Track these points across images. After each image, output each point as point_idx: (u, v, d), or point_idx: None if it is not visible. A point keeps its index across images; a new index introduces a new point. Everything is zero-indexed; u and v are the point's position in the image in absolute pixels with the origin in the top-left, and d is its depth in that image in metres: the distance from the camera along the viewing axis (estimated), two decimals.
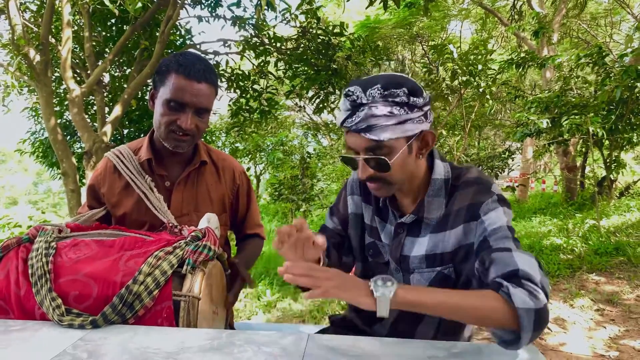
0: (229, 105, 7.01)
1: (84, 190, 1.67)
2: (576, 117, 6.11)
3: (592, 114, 6.00)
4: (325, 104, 6.58)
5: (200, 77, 1.41)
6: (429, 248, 1.21)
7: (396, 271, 1.28)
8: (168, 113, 1.43)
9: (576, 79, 7.39)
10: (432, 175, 1.21)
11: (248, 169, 13.26)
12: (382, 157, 1.10)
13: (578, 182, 9.54)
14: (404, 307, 0.95)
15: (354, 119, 1.09)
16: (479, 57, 7.17)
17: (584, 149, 8.80)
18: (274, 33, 6.27)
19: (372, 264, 1.36)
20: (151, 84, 1.52)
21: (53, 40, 5.92)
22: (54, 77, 6.44)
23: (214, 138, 12.09)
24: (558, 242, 5.53)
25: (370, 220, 1.36)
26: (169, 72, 1.41)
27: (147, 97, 6.93)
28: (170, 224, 1.41)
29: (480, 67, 7.06)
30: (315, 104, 6.62)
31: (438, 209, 1.20)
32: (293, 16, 6.01)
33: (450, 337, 1.27)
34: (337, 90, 6.29)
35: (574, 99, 6.79)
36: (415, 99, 1.08)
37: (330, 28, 6.08)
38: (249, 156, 12.91)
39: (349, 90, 1.10)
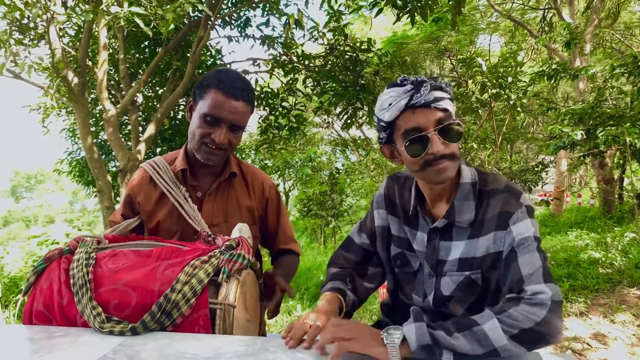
0: (259, 122, 7.11)
1: (118, 207, 1.73)
2: (612, 128, 5.95)
3: (629, 124, 5.84)
4: (354, 120, 6.60)
5: (238, 95, 1.45)
6: (463, 252, 1.23)
7: (429, 276, 1.30)
8: (204, 126, 1.47)
9: (611, 90, 7.22)
10: (460, 179, 1.24)
11: (277, 185, 13.35)
12: (457, 122, 1.15)
13: (616, 195, 9.26)
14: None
15: (421, 93, 1.13)
16: (509, 69, 7.09)
17: (621, 161, 8.56)
18: (302, 51, 6.36)
19: (400, 274, 1.40)
20: (191, 96, 1.57)
21: (90, 63, 6.14)
22: (90, 98, 6.67)
23: (243, 155, 12.26)
24: (596, 256, 5.36)
25: (397, 231, 1.38)
26: (209, 87, 1.46)
27: (179, 117, 7.10)
28: (205, 233, 1.44)
29: (510, 79, 6.98)
30: (343, 120, 6.65)
31: (468, 212, 1.22)
32: (321, 34, 6.09)
33: None
34: (365, 106, 6.31)
35: (609, 110, 6.62)
36: (449, 87, 1.19)
37: (358, 44, 6.13)
38: (278, 173, 13.03)
39: (403, 78, 1.17)
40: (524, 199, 1.18)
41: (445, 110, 1.14)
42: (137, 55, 6.78)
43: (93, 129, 6.89)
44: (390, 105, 1.17)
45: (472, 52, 13.55)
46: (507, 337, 0.99)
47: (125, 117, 6.91)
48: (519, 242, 1.13)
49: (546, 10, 11.25)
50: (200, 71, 6.51)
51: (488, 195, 1.22)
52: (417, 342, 0.98)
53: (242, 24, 6.59)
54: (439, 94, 1.14)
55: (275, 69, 6.58)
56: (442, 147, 1.14)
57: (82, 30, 5.84)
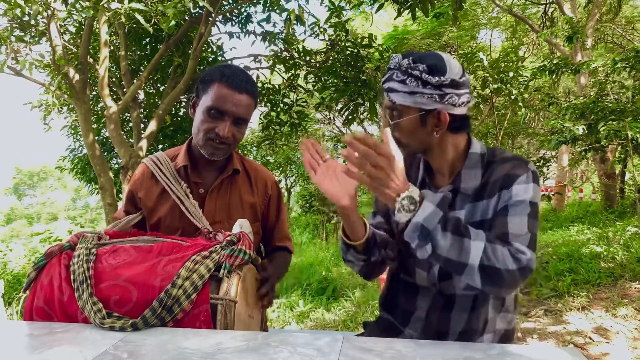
0: (260, 119, 7.11)
1: (121, 205, 1.75)
2: (614, 122, 5.93)
3: (631, 118, 5.82)
4: (355, 116, 6.59)
5: (242, 88, 1.46)
6: (467, 217, 1.27)
7: None
8: (208, 120, 1.47)
9: (612, 84, 7.20)
10: (469, 150, 1.30)
11: (279, 181, 13.35)
12: (390, 116, 1.27)
13: (618, 190, 9.24)
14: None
15: (384, 78, 1.27)
16: (510, 64, 7.08)
17: (622, 155, 8.54)
18: (303, 47, 6.34)
19: (404, 249, 1.41)
20: (192, 92, 1.57)
21: (91, 60, 6.14)
22: (91, 95, 6.67)
23: (245, 152, 12.25)
24: (598, 250, 5.35)
25: None
26: (213, 81, 1.46)
27: (181, 113, 7.10)
28: (206, 230, 1.44)
29: (511, 74, 6.96)
30: (344, 116, 6.65)
31: (474, 180, 1.28)
32: (322, 30, 6.07)
33: (482, 326, 1.31)
34: (366, 102, 6.29)
35: (610, 105, 6.60)
36: (429, 76, 1.18)
37: (359, 40, 6.12)
38: (280, 169, 13.02)
39: (394, 55, 1.25)
40: (531, 165, 1.24)
41: (391, 100, 1.25)
42: (138, 52, 6.77)
43: (95, 126, 6.89)
44: None
45: (473, 47, 13.51)
46: (479, 262, 1.08)
47: (126, 114, 6.91)
48: (514, 202, 1.18)
49: (547, 5, 11.21)
50: (202, 67, 6.50)
51: (495, 163, 1.27)
52: (423, 221, 1.07)
53: (243, 20, 6.57)
54: (392, 85, 1.23)
55: (277, 65, 6.57)
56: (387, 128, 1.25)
57: (82, 27, 5.84)
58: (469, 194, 1.28)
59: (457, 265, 1.09)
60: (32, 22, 5.00)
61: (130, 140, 6.45)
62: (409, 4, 4.62)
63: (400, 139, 1.27)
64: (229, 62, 6.76)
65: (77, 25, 6.43)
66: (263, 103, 6.79)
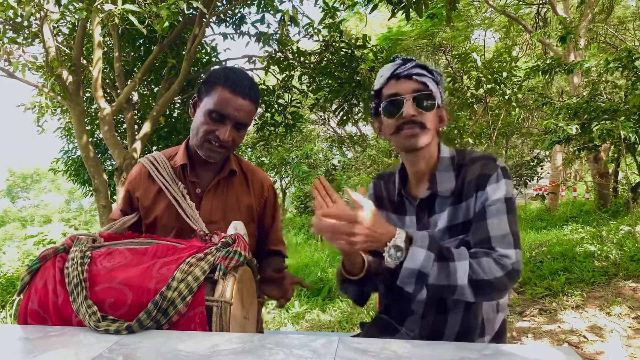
0: (255, 120, 7.10)
1: (115, 207, 1.74)
2: (606, 122, 5.98)
3: (623, 118, 5.86)
4: (349, 116, 6.60)
5: (245, 94, 1.46)
6: (450, 219, 1.31)
7: None
8: (208, 123, 1.47)
9: (605, 84, 7.24)
10: (440, 154, 1.37)
11: (274, 182, 13.34)
12: (430, 93, 1.30)
13: (611, 189, 9.29)
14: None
15: (406, 66, 1.31)
16: (504, 64, 7.11)
17: (616, 155, 8.59)
18: (298, 48, 6.34)
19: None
20: (187, 93, 1.58)
21: (84, 61, 6.11)
22: (85, 96, 6.64)
23: (240, 153, 12.23)
24: (592, 249, 5.38)
25: (386, 220, 1.42)
26: (217, 84, 1.46)
27: (175, 115, 7.08)
28: (201, 232, 1.43)
29: (505, 74, 6.99)
30: (339, 117, 6.65)
31: (448, 182, 1.32)
32: (316, 30, 6.07)
33: (480, 326, 1.32)
34: (360, 102, 6.30)
35: (603, 104, 6.64)
36: (439, 77, 1.34)
37: (353, 41, 6.13)
38: (275, 170, 13.01)
39: (395, 56, 1.34)
40: (499, 162, 1.30)
41: (424, 83, 1.29)
42: (132, 54, 6.75)
43: (88, 127, 6.86)
44: (381, 76, 1.35)
45: (467, 47, 13.55)
46: (467, 279, 1.12)
47: (120, 115, 6.89)
48: (490, 202, 1.23)
49: (540, 5, 11.27)
50: (196, 69, 6.49)
51: (466, 165, 1.32)
52: (420, 267, 1.11)
53: (237, 21, 6.57)
54: (421, 71, 1.30)
55: (271, 66, 6.57)
56: (414, 112, 1.28)
57: (76, 28, 5.82)
58: (447, 197, 1.32)
59: (448, 289, 1.14)
60: (25, 23, 4.98)
61: (125, 141, 6.42)
62: (403, 4, 4.63)
63: (426, 123, 1.30)
64: (223, 63, 6.75)
65: (71, 26, 6.40)
66: None
